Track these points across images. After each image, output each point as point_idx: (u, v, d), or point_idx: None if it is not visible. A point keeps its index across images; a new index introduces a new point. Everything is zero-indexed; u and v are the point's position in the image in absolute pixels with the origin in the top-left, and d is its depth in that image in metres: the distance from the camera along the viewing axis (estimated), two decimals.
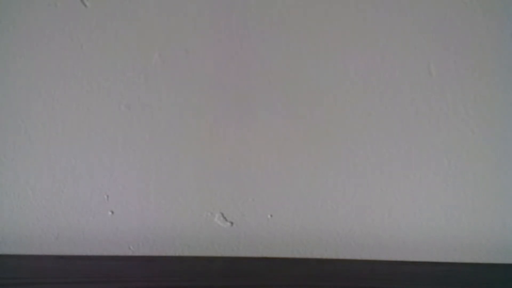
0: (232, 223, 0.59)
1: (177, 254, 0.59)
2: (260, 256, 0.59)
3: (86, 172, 0.57)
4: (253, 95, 0.56)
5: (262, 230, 0.59)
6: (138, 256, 0.58)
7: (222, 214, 0.58)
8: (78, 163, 0.57)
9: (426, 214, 0.58)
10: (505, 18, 0.55)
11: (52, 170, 0.57)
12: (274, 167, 0.57)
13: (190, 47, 0.56)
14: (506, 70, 0.56)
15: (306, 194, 0.58)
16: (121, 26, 0.55)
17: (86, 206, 0.58)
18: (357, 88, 0.56)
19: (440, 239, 0.58)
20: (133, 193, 0.58)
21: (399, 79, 0.56)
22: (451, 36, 0.55)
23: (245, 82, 0.56)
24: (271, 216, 0.58)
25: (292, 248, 0.59)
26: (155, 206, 0.58)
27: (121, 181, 0.57)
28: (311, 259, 0.58)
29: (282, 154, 0.57)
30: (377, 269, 0.55)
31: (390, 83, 0.56)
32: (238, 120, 0.57)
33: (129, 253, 0.59)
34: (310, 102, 0.57)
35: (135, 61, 0.56)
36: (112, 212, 0.58)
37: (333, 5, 0.55)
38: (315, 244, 0.59)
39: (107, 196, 0.58)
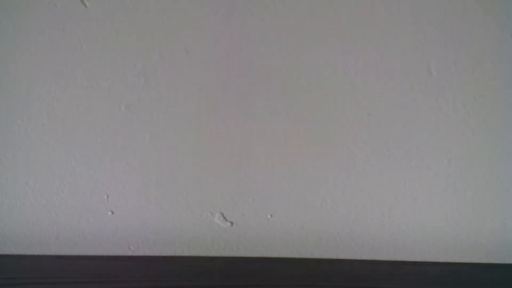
0: (232, 223, 0.59)
1: (177, 254, 0.59)
2: (260, 256, 0.59)
3: (86, 172, 0.57)
4: (253, 95, 0.56)
5: (262, 230, 0.59)
6: (138, 256, 0.58)
7: (222, 214, 0.58)
8: (78, 163, 0.57)
9: (426, 214, 0.58)
10: (505, 18, 0.55)
11: (52, 170, 0.57)
12: (274, 167, 0.57)
13: (190, 47, 0.56)
14: (506, 70, 0.56)
15: (306, 194, 0.58)
16: (121, 26, 0.55)
17: (86, 206, 0.58)
18: (357, 88, 0.56)
19: (440, 239, 0.58)
20: (133, 193, 0.58)
21: (399, 79, 0.56)
22: (451, 36, 0.55)
23: (245, 82, 0.56)
24: (271, 216, 0.58)
25: (292, 248, 0.59)
26: (155, 206, 0.58)
27: (121, 181, 0.57)
28: (311, 259, 0.58)
29: (282, 154, 0.57)
30: (377, 269, 0.55)
31: (390, 83, 0.56)
32: (238, 120, 0.57)
33: (129, 253, 0.59)
34: (310, 102, 0.57)
35: (135, 61, 0.56)
36: (112, 212, 0.58)
37: (333, 5, 0.55)
38: (315, 244, 0.59)
39: (107, 196, 0.58)
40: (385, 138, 0.57)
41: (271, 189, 0.58)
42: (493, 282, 0.53)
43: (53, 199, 0.58)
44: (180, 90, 0.56)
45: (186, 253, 0.59)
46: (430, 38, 0.55)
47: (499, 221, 0.58)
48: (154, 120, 0.57)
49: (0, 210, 0.58)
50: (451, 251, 0.58)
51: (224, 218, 0.58)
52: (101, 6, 0.55)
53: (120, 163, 0.57)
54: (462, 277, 0.53)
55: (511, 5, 0.55)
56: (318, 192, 0.58)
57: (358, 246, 0.59)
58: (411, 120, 0.57)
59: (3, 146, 0.57)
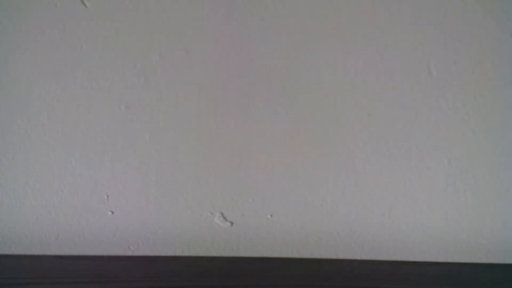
0: (232, 223, 0.59)
1: (177, 254, 0.59)
2: (260, 256, 0.59)
3: (86, 172, 0.57)
4: (253, 95, 0.56)
5: (262, 230, 0.59)
6: (138, 256, 0.58)
7: (222, 214, 0.58)
8: (78, 163, 0.57)
9: (426, 214, 0.58)
10: (505, 18, 0.55)
11: (52, 170, 0.57)
12: (274, 167, 0.57)
13: (190, 47, 0.56)
14: (506, 70, 0.56)
15: (306, 194, 0.58)
16: (121, 26, 0.55)
17: (86, 206, 0.58)
18: (357, 88, 0.56)
19: (440, 239, 0.58)
20: (133, 193, 0.58)
21: (399, 79, 0.56)
22: (451, 36, 0.55)
23: (245, 82, 0.56)
24: (271, 216, 0.58)
25: (292, 248, 0.59)
26: (155, 206, 0.58)
27: (121, 181, 0.57)
28: (311, 259, 0.58)
29: (282, 154, 0.57)
30: (377, 269, 0.55)
31: (390, 83, 0.56)
32: (238, 120, 0.57)
33: (129, 253, 0.59)
34: (310, 102, 0.57)
35: (135, 61, 0.56)
36: (112, 212, 0.58)
37: (333, 5, 0.55)
38: (315, 244, 0.59)
39: (107, 196, 0.58)
40: (385, 138, 0.57)
41: (271, 189, 0.58)
42: (493, 282, 0.53)
43: (53, 199, 0.58)
44: (180, 90, 0.56)
45: (186, 253, 0.59)
46: (430, 38, 0.55)
47: (499, 221, 0.58)
48: (154, 120, 0.57)
49: (0, 210, 0.58)
50: (451, 251, 0.58)
51: (224, 218, 0.58)
52: (101, 6, 0.55)
53: (120, 163, 0.57)
54: (462, 277, 0.53)
55: (511, 5, 0.55)
56: (318, 192, 0.58)
57: (358, 246, 0.59)
58: (411, 120, 0.57)
59: (3, 146, 0.57)
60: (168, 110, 0.57)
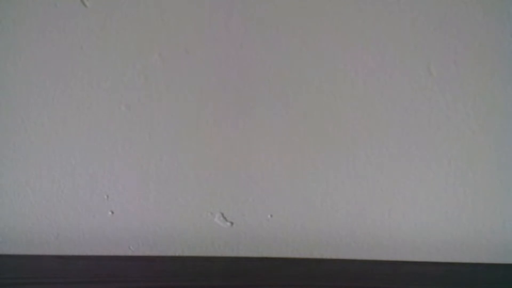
0: (232, 223, 0.59)
1: (177, 254, 0.59)
2: (260, 256, 0.59)
3: (86, 172, 0.57)
4: (253, 95, 0.56)
5: (262, 230, 0.59)
6: (138, 256, 0.58)
7: (222, 214, 0.58)
8: (78, 163, 0.57)
9: (426, 214, 0.58)
10: (505, 18, 0.55)
11: (52, 170, 0.57)
12: (274, 167, 0.57)
13: (190, 47, 0.56)
14: (506, 70, 0.56)
15: (306, 194, 0.58)
16: (121, 26, 0.55)
17: (86, 206, 0.58)
18: (357, 88, 0.56)
19: (440, 239, 0.58)
20: (133, 193, 0.58)
21: (399, 79, 0.56)
22: (451, 36, 0.55)
23: (245, 82, 0.56)
24: (271, 216, 0.58)
25: (292, 248, 0.59)
26: (155, 206, 0.58)
27: (121, 181, 0.57)
28: (311, 259, 0.58)
29: (282, 154, 0.57)
30: (377, 269, 0.55)
31: (390, 83, 0.56)
32: (238, 120, 0.57)
33: (129, 253, 0.59)
34: (310, 102, 0.57)
35: (135, 61, 0.56)
36: (112, 212, 0.58)
37: (333, 5, 0.55)
38: (315, 244, 0.59)
39: (107, 196, 0.58)
40: (385, 138, 0.57)
41: (271, 189, 0.58)
42: (493, 282, 0.53)
43: (53, 199, 0.58)
44: (180, 90, 0.56)
45: (186, 253, 0.59)
46: (430, 38, 0.55)
47: (499, 221, 0.58)
48: (154, 120, 0.57)
49: (0, 210, 0.58)
50: (451, 251, 0.58)
51: (224, 218, 0.58)
52: (101, 6, 0.55)
53: (120, 163, 0.57)
54: (462, 277, 0.53)
55: (511, 5, 0.55)
56: (318, 192, 0.58)
57: (358, 246, 0.59)
58: (411, 120, 0.57)
59: (3, 146, 0.57)
60: (168, 110, 0.57)
